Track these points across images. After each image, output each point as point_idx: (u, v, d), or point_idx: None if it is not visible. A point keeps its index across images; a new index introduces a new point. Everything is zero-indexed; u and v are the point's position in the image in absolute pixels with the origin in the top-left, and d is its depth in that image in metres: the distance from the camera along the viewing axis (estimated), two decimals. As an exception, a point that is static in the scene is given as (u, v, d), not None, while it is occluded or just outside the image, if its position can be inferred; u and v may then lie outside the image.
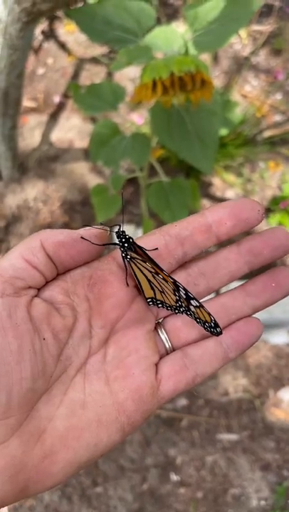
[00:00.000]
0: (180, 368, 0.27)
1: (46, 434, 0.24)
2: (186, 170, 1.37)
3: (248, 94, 1.59)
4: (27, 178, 1.36)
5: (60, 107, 1.53)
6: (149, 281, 0.27)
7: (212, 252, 0.29)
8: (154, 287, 0.28)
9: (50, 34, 1.70)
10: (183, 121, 0.72)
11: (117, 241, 0.28)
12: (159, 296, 0.28)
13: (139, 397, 0.26)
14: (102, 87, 0.92)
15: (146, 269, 0.27)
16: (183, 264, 0.29)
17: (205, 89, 0.60)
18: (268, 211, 1.38)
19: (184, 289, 0.27)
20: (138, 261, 0.27)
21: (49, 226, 1.27)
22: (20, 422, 0.23)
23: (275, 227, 0.28)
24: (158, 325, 0.29)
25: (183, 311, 0.28)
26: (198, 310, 0.27)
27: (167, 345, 0.29)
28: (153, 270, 0.27)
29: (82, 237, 0.26)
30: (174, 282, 0.27)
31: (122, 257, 0.28)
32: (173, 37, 0.72)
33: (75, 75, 1.61)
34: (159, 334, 0.29)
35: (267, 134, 1.50)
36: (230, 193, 1.42)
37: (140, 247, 0.27)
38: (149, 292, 0.28)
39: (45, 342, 0.24)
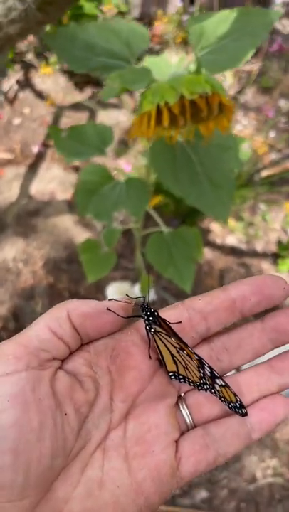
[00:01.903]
0: (200, 447, 0.26)
1: None
2: (181, 217, 1.24)
3: (240, 133, 1.50)
4: (5, 235, 1.21)
5: (39, 157, 1.41)
6: (172, 355, 0.27)
7: (236, 327, 0.29)
8: (178, 362, 0.27)
9: (25, 83, 1.61)
10: (190, 160, 0.58)
11: (141, 313, 0.27)
12: (182, 371, 0.27)
13: (158, 477, 0.25)
14: (85, 129, 0.79)
15: (171, 343, 0.27)
16: (206, 339, 0.29)
17: (223, 116, 0.47)
18: (276, 257, 1.25)
19: (210, 367, 0.26)
20: (162, 335, 0.27)
21: (31, 289, 1.11)
22: (35, 504, 0.22)
23: None
24: (179, 399, 0.28)
25: (207, 388, 0.27)
26: (223, 389, 0.26)
27: (188, 421, 0.28)
28: (178, 346, 0.26)
29: (108, 309, 0.26)
30: (200, 359, 0.26)
31: (146, 329, 0.27)
32: (167, 68, 0.60)
33: (55, 123, 1.50)
34: (180, 409, 0.28)
35: (264, 173, 1.39)
36: (231, 239, 1.29)
37: (164, 321, 0.27)
38: (171, 366, 0.27)
39: (66, 417, 0.24)
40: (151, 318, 0.27)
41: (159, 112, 0.45)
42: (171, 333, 0.27)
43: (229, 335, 0.29)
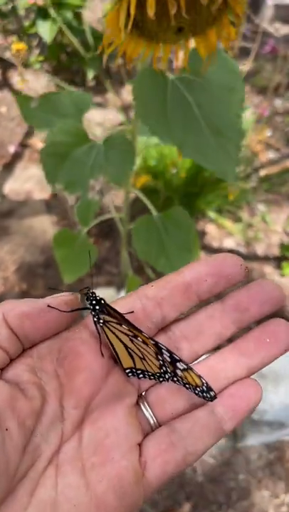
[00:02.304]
0: (167, 446, 0.24)
1: None
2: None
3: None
4: (-27, 239, 1.06)
5: (15, 157, 1.28)
6: (126, 347, 0.25)
7: (194, 311, 0.26)
8: (133, 354, 0.25)
9: (3, 83, 1.49)
10: (185, 101, 0.45)
11: (86, 303, 0.25)
12: (139, 365, 0.25)
13: (121, 487, 0.22)
14: (59, 98, 0.66)
15: (123, 332, 0.24)
16: (163, 328, 0.26)
17: (229, 14, 0.34)
18: (280, 260, 1.12)
19: (168, 350, 0.24)
20: (112, 325, 0.24)
21: (1, 297, 0.96)
22: None
23: (261, 280, 0.25)
24: (140, 398, 0.26)
25: (169, 377, 0.25)
26: (186, 374, 0.24)
27: (152, 421, 0.25)
28: (130, 333, 0.24)
29: (49, 306, 0.23)
30: (156, 344, 0.24)
31: (94, 322, 0.25)
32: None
33: (33, 123, 1.38)
34: (141, 409, 0.25)
35: (262, 172, 1.28)
36: (229, 242, 1.15)
37: (114, 309, 0.25)
38: (127, 361, 0.25)
39: (8, 433, 0.21)
40: (98, 307, 0.25)
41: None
42: (122, 320, 0.25)
43: (187, 321, 0.26)
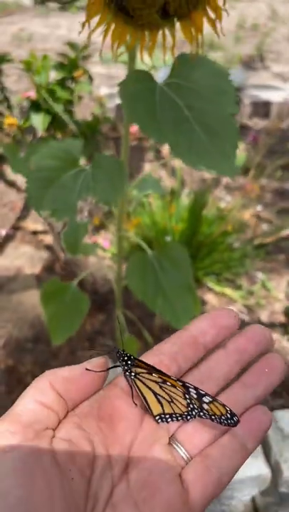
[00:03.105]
0: (203, 471, 0.27)
1: None
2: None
3: (225, 209, 1.40)
4: None
5: (7, 239, 1.26)
6: (155, 394, 0.28)
7: (203, 359, 0.30)
8: (162, 400, 0.28)
9: (-3, 175, 1.54)
10: (174, 104, 0.43)
11: (118, 361, 0.29)
12: (167, 409, 0.28)
13: (173, 511, 0.25)
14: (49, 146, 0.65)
15: (152, 380, 0.28)
16: (179, 378, 0.29)
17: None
18: (287, 325, 1.04)
19: (195, 387, 0.27)
20: (143, 375, 0.28)
21: (-15, 374, 0.87)
22: None
23: (252, 326, 0.30)
24: (170, 439, 0.29)
25: (196, 413, 0.28)
26: (211, 405, 0.27)
27: (185, 457, 0.28)
28: (160, 379, 0.28)
29: (86, 369, 0.27)
30: (184, 384, 0.27)
31: (126, 376, 0.28)
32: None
33: (26, 208, 1.39)
34: (174, 447, 0.28)
35: (256, 242, 1.26)
36: (230, 311, 1.09)
37: (143, 362, 0.28)
38: (156, 408, 0.28)
39: (74, 482, 0.23)
40: (129, 362, 0.28)
41: None
42: (152, 369, 0.28)
43: (199, 368, 0.30)
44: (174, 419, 0.28)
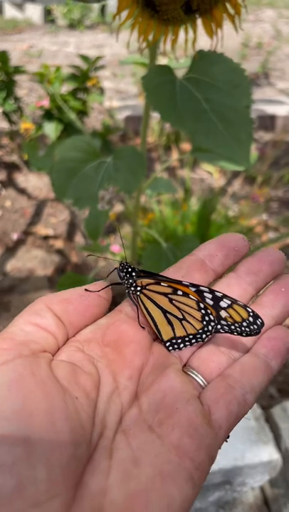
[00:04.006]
0: (225, 388, 0.24)
1: None
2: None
3: (232, 218, 1.43)
4: (-28, 315, 1.02)
5: (18, 243, 1.29)
6: (165, 313, 0.25)
7: (212, 284, 0.28)
8: (173, 319, 0.25)
9: (8, 183, 1.57)
10: (193, 97, 0.46)
11: (120, 274, 0.26)
12: (179, 332, 0.25)
13: (195, 430, 0.22)
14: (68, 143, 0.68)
15: (161, 293, 0.25)
16: (192, 283, 0.27)
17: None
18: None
19: (210, 290, 0.25)
20: (150, 288, 0.25)
21: None
22: (68, 504, 0.18)
23: (264, 248, 0.29)
24: (184, 368, 0.26)
25: (212, 328, 0.25)
26: (230, 311, 0.24)
27: (202, 383, 0.25)
28: (170, 290, 0.25)
29: (86, 290, 0.25)
30: (197, 289, 0.25)
31: (130, 295, 0.26)
32: None
33: (37, 214, 1.42)
34: (189, 374, 0.26)
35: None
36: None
37: (148, 272, 0.26)
38: (166, 332, 0.25)
39: (78, 401, 0.21)
40: (134, 274, 0.26)
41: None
42: (160, 278, 0.25)
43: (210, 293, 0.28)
44: (187, 343, 0.26)
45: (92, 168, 0.54)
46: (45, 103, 1.35)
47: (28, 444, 0.18)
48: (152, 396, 0.24)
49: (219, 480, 0.60)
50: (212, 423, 0.23)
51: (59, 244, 1.29)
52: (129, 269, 0.26)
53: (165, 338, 0.26)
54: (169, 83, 0.46)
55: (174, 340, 0.26)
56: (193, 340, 0.26)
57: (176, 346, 0.26)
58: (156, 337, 0.26)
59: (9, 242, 1.30)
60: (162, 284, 0.25)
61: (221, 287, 0.28)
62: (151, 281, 0.25)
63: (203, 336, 0.26)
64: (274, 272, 0.28)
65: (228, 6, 0.39)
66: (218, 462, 0.59)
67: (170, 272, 0.27)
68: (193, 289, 0.25)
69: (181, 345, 0.26)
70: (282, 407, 0.67)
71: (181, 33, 0.42)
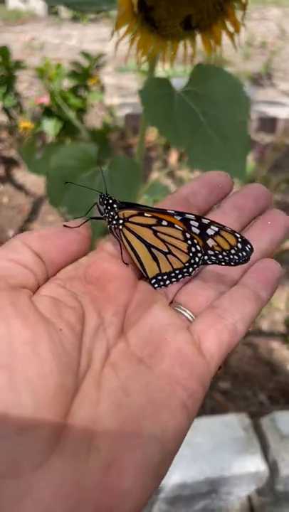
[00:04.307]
0: (214, 318, 0.24)
1: (97, 440, 0.19)
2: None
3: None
4: None
5: (14, 240, 1.28)
6: (150, 248, 0.24)
7: None
8: (158, 254, 0.24)
9: (6, 178, 1.57)
10: (190, 110, 0.46)
11: (100, 207, 0.25)
12: (164, 267, 0.25)
13: (185, 359, 0.22)
14: (65, 149, 0.68)
15: (145, 225, 0.24)
16: (177, 211, 0.27)
17: (233, 6, 0.36)
18: (287, 335, 1.07)
19: (197, 217, 0.24)
20: (133, 220, 0.24)
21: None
22: (57, 432, 0.18)
23: (248, 185, 0.28)
24: (171, 304, 0.26)
25: (199, 259, 0.24)
26: (218, 239, 0.24)
27: (190, 317, 0.25)
28: (154, 221, 0.24)
29: (65, 226, 0.24)
30: (183, 218, 0.24)
31: (112, 229, 0.25)
32: None
33: (34, 211, 1.42)
34: (176, 310, 0.25)
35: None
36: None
37: (131, 203, 0.24)
38: (151, 268, 0.24)
39: (62, 333, 0.20)
40: (115, 206, 0.24)
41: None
42: (143, 209, 0.24)
43: None
44: (174, 279, 0.25)
45: (87, 177, 0.54)
46: (45, 100, 1.34)
47: (11, 370, 0.18)
48: (139, 330, 0.23)
49: (205, 489, 0.60)
50: (203, 352, 0.23)
51: (55, 242, 1.29)
52: (110, 201, 0.25)
53: (150, 275, 0.25)
54: (166, 96, 0.46)
55: (159, 277, 0.25)
56: (180, 276, 0.25)
57: (162, 283, 0.25)
58: (141, 274, 0.26)
59: (5, 239, 1.29)
60: (146, 214, 0.24)
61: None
62: (134, 212, 0.24)
63: (190, 269, 0.25)
64: (259, 208, 0.28)
65: (227, 23, 0.39)
66: (205, 472, 0.59)
67: (154, 208, 0.27)
68: (179, 218, 0.24)
69: (167, 282, 0.25)
70: (270, 418, 0.67)
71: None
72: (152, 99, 0.45)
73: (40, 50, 3.16)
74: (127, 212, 0.24)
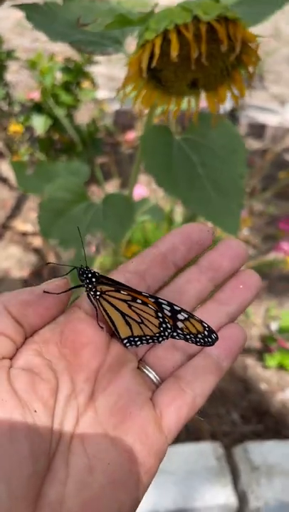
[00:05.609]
0: (176, 392, 0.25)
1: None
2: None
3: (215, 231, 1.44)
4: None
5: (-4, 237, 1.27)
6: (123, 315, 0.26)
7: (174, 278, 0.29)
8: (131, 321, 0.26)
9: (-9, 170, 1.54)
10: (189, 160, 0.46)
11: (80, 279, 0.26)
12: (136, 331, 0.26)
13: (146, 436, 0.24)
14: (56, 168, 0.67)
15: (120, 299, 0.25)
16: (151, 295, 0.27)
17: (247, 59, 0.36)
18: (263, 352, 1.09)
19: (169, 303, 0.25)
20: (110, 294, 0.25)
21: None
22: None
23: (226, 239, 0.29)
24: (140, 363, 0.27)
25: (168, 334, 0.26)
26: (187, 323, 0.25)
27: (155, 380, 0.26)
28: (129, 297, 0.25)
29: (45, 291, 0.24)
30: (156, 301, 0.25)
31: (90, 296, 0.26)
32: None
33: (17, 207, 1.40)
34: (144, 371, 0.27)
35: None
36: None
37: (109, 279, 0.26)
38: (124, 330, 0.26)
39: (37, 414, 0.21)
40: (94, 280, 0.25)
41: (165, 40, 0.33)
42: (119, 286, 0.25)
43: (169, 287, 0.28)
44: (144, 341, 0.26)
45: (80, 210, 0.54)
46: (36, 96, 1.31)
47: None
48: (107, 398, 0.24)
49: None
50: (162, 429, 0.24)
51: (37, 242, 1.28)
52: (89, 275, 0.26)
53: (122, 336, 0.26)
54: (166, 145, 0.46)
55: (131, 338, 0.26)
56: (150, 340, 0.26)
57: (133, 343, 0.26)
58: (114, 334, 0.27)
59: (-13, 235, 1.27)
60: (122, 292, 0.25)
61: (182, 281, 0.28)
62: (111, 288, 0.25)
63: (160, 339, 0.26)
64: (234, 268, 0.28)
65: (233, 87, 0.39)
66: (177, 502, 0.61)
67: (133, 265, 0.27)
68: (153, 300, 0.25)
69: (138, 343, 0.26)
70: (243, 448, 0.69)
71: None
72: (151, 147, 0.45)
73: (32, 30, 3.07)
74: (105, 288, 0.25)
